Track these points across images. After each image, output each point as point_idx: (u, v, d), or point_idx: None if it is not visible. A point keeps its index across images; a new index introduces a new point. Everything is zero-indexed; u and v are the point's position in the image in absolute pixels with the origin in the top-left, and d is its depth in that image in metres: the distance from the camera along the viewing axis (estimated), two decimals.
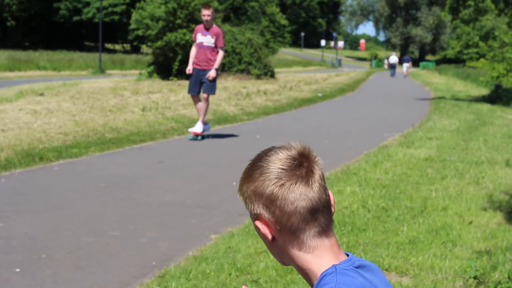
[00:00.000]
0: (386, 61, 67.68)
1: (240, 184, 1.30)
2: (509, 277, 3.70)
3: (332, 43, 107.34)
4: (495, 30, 31.67)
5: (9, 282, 3.87)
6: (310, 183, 1.23)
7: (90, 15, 61.40)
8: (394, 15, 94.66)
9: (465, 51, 61.10)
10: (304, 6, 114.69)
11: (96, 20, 57.44)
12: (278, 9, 46.74)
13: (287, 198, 1.22)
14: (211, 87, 9.89)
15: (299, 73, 44.00)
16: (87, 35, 69.40)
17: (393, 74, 47.32)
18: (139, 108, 13.39)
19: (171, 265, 4.18)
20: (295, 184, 1.22)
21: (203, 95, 9.95)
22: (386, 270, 4.13)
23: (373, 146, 9.93)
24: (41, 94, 15.68)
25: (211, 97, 13.12)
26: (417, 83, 38.02)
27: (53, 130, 9.93)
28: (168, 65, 24.30)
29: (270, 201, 1.23)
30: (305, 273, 1.26)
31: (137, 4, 26.96)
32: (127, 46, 69.98)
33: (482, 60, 38.45)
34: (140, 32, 26.02)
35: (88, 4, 61.90)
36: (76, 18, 62.25)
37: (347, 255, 1.26)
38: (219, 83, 22.61)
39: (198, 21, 25.27)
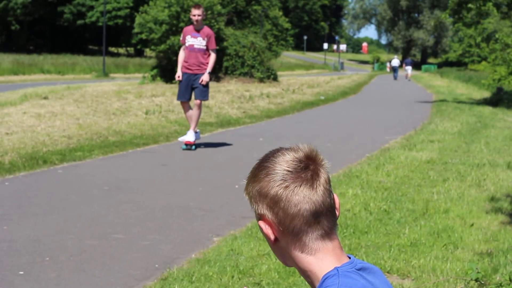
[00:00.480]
0: (388, 64, 67.76)
1: (246, 183, 1.31)
2: (510, 279, 3.71)
3: (334, 47, 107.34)
4: (497, 33, 31.66)
5: (13, 284, 3.89)
6: (315, 186, 1.23)
7: (94, 19, 61.55)
8: (396, 18, 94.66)
9: (467, 54, 61.09)
10: (306, 9, 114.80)
11: (100, 24, 57.56)
12: (281, 13, 46.73)
13: (291, 200, 1.22)
14: (204, 92, 9.23)
15: (301, 76, 44.04)
16: (91, 38, 69.55)
17: (396, 77, 47.41)
18: (143, 112, 13.43)
19: (174, 267, 4.20)
20: (300, 186, 1.23)
21: (195, 102, 9.29)
22: (388, 272, 4.15)
23: (375, 149, 9.94)
24: (45, 98, 15.73)
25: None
26: (419, 86, 38.02)
27: (57, 133, 9.98)
28: (172, 68, 24.29)
29: (274, 202, 1.24)
30: (307, 275, 1.26)
31: (141, 8, 27.02)
32: (131, 50, 70.13)
33: (483, 63, 38.47)
34: (143, 36, 26.08)
35: (92, 8, 62.05)
36: (80, 22, 62.41)
37: (349, 258, 1.27)
38: (222, 86, 22.65)
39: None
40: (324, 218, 1.24)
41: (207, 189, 6.82)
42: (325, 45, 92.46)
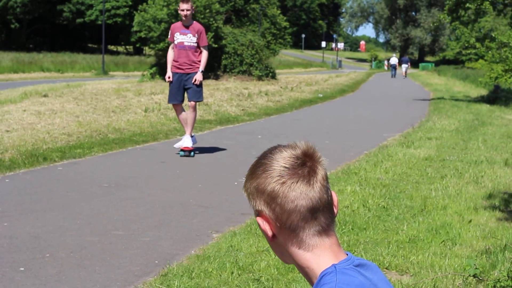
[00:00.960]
0: (386, 62, 67.75)
1: (245, 180, 1.32)
2: (508, 276, 3.73)
3: (333, 45, 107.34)
4: (494, 31, 31.69)
5: (13, 281, 3.91)
6: (312, 182, 1.24)
7: (93, 17, 61.48)
8: (393, 17, 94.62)
9: (464, 52, 61.11)
10: (304, 8, 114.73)
11: (99, 22, 57.50)
12: (279, 11, 46.67)
13: (288, 196, 1.23)
14: (199, 92, 8.50)
15: (300, 74, 44.03)
16: (90, 37, 69.48)
17: (393, 75, 47.51)
18: (142, 109, 13.46)
19: (173, 264, 4.21)
20: (296, 182, 1.23)
21: (189, 104, 8.56)
22: (387, 268, 4.17)
23: (373, 146, 9.97)
24: (45, 96, 15.75)
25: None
26: (416, 84, 38.05)
27: (56, 130, 9.99)
28: None
29: (271, 198, 1.24)
30: (305, 272, 1.27)
31: (140, 7, 27.03)
32: (130, 48, 70.04)
33: (481, 61, 38.46)
34: (142, 34, 26.10)
35: (91, 6, 61.98)
36: (79, 20, 62.32)
37: (347, 255, 1.27)
38: (221, 84, 22.67)
39: (200, 24, 25.34)
40: (321, 214, 1.25)
41: (206, 186, 6.85)
42: (323, 43, 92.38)
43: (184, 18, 8.47)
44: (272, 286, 3.85)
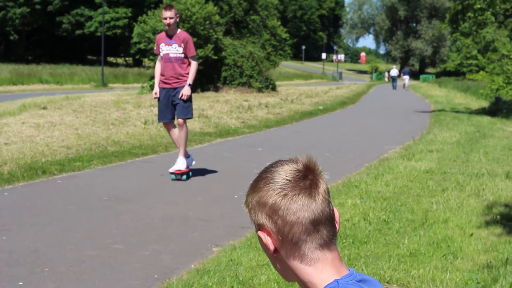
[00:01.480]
0: (386, 74, 67.89)
1: (246, 195, 1.31)
2: None
3: (333, 56, 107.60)
4: (495, 42, 31.79)
5: None
6: (314, 195, 1.24)
7: (92, 29, 61.63)
8: (394, 28, 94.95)
9: (465, 63, 61.27)
10: (305, 19, 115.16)
11: (99, 34, 57.66)
12: (279, 23, 46.86)
13: (290, 208, 1.23)
14: (187, 108, 7.73)
15: (300, 86, 44.12)
16: (90, 49, 69.66)
17: (394, 87, 47.56)
18: (141, 122, 13.45)
19: (173, 278, 4.19)
20: (298, 195, 1.23)
21: (177, 121, 7.81)
22: (388, 282, 4.14)
23: (374, 159, 9.95)
24: (44, 108, 15.75)
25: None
26: (417, 95, 38.08)
27: (55, 143, 9.98)
28: None
29: (273, 211, 1.24)
30: (307, 287, 1.26)
31: (139, 18, 27.12)
32: (129, 60, 70.19)
33: (482, 72, 38.57)
34: (142, 46, 26.14)
35: (90, 18, 62.15)
36: (78, 32, 62.48)
37: (349, 270, 1.26)
38: (221, 96, 22.68)
39: (200, 35, 25.42)
40: (323, 227, 1.24)
41: (206, 199, 6.82)
42: (324, 55, 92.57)
43: (168, 27, 7.71)
44: None
